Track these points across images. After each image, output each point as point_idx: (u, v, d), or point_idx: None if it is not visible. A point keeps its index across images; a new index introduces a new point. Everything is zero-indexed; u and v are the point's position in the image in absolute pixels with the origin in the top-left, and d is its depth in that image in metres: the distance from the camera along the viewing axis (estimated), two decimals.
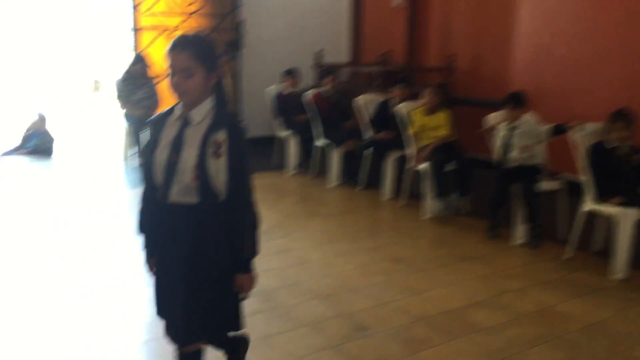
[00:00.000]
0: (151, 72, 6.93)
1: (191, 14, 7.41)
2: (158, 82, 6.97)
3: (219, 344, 2.33)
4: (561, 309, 3.48)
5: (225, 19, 7.52)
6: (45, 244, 4.37)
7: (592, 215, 4.23)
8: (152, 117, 2.12)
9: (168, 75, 1.96)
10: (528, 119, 4.76)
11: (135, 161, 6.78)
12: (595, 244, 4.39)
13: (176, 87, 1.94)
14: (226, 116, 2.00)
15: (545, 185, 4.59)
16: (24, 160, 7.16)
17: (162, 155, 1.97)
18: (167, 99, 5.46)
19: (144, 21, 7.46)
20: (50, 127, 7.70)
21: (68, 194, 5.72)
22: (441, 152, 5.22)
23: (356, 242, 4.60)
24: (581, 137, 4.24)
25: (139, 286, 3.52)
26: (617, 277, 3.91)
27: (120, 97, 6.81)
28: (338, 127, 6.42)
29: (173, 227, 2.01)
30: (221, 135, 1.94)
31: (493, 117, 4.91)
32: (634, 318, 3.38)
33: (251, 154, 2.02)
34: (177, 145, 1.96)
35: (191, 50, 1.91)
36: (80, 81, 13.43)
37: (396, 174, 5.81)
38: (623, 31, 5.53)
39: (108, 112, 10.45)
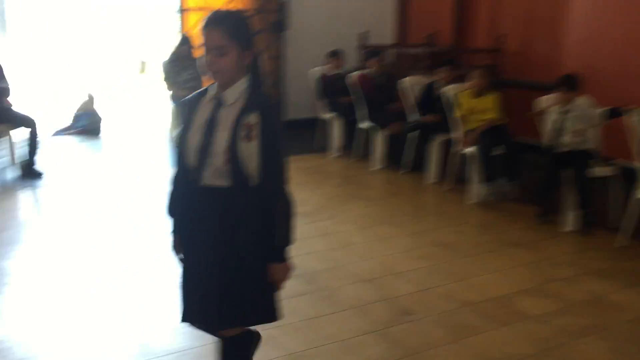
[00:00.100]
0: (197, 54, 6.98)
1: None
2: None
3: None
4: (612, 299, 3.38)
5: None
6: (93, 226, 4.48)
7: None
8: (186, 98, 2.04)
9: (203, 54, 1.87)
10: (582, 102, 4.61)
11: None
12: None
13: (209, 65, 1.86)
14: (260, 98, 1.91)
15: (598, 171, 4.44)
16: (73, 140, 7.34)
17: (195, 137, 1.90)
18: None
19: (190, 2, 7.53)
20: (98, 108, 7.86)
21: (116, 175, 5.84)
22: (489, 136, 5.11)
23: (399, 226, 4.55)
24: (637, 121, 4.09)
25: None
26: None
27: (166, 78, 6.89)
28: (382, 109, 6.34)
29: (204, 210, 1.93)
30: (253, 118, 1.85)
31: (545, 100, 4.78)
32: None
33: (286, 138, 1.92)
34: (210, 127, 1.88)
35: (224, 28, 1.83)
36: (127, 62, 13.65)
37: (441, 157, 5.72)
38: None
39: (154, 93, 10.60)
